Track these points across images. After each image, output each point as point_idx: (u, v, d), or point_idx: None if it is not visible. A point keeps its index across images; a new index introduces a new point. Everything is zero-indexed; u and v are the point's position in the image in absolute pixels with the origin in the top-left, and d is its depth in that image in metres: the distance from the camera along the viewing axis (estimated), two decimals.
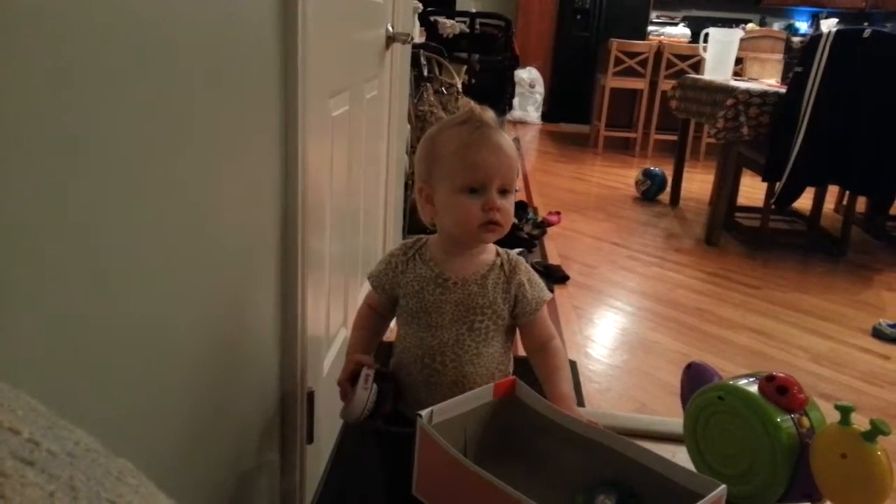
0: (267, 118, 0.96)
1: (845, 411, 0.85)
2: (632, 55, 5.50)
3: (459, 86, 3.12)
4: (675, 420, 1.04)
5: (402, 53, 2.11)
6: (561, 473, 0.91)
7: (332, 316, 1.41)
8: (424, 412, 0.85)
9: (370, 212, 1.81)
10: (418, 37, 3.67)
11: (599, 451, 0.88)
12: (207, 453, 0.83)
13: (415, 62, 2.82)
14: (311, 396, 1.22)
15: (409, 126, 2.57)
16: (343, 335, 1.53)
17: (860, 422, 0.84)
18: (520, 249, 2.80)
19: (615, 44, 5.51)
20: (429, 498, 0.88)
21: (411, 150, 2.62)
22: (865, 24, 6.04)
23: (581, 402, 1.83)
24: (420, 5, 3.42)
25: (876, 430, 0.82)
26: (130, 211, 0.59)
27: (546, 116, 7.15)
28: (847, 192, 3.40)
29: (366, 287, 1.78)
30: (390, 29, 1.84)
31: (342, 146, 1.41)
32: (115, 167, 0.56)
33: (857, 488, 0.83)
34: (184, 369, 0.74)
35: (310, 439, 1.23)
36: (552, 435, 0.93)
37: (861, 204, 3.48)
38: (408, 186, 2.56)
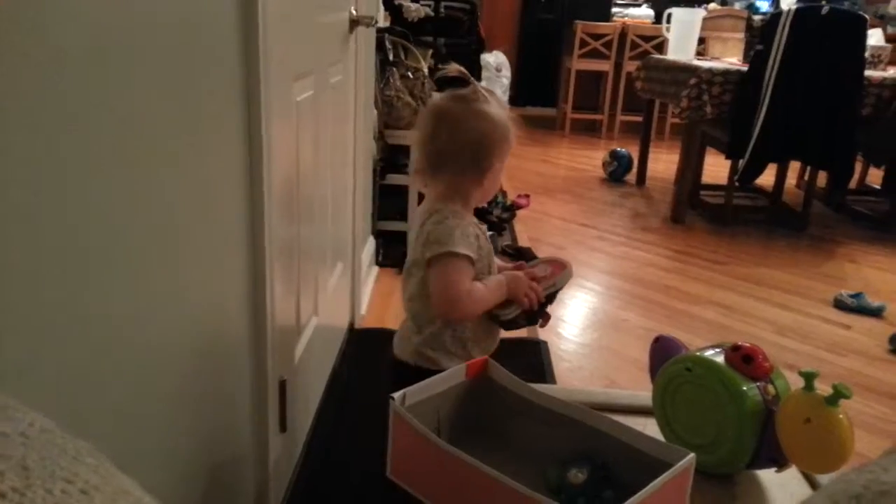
0: (229, 103, 0.95)
1: (809, 377, 0.87)
2: (597, 37, 5.52)
3: (426, 70, 3.10)
4: (644, 393, 1.06)
5: (366, 37, 2.09)
6: (534, 450, 0.92)
7: (302, 304, 1.40)
8: (397, 395, 0.85)
9: (338, 198, 1.79)
10: (383, 21, 3.63)
11: (571, 427, 0.89)
12: (178, 445, 0.82)
13: (380, 46, 2.79)
14: (283, 385, 1.21)
15: (375, 111, 2.55)
16: (314, 323, 1.53)
17: (823, 389, 0.86)
18: (490, 233, 2.81)
19: (580, 26, 5.52)
20: (404, 480, 0.88)
21: (378, 136, 2.60)
22: (823, 1, 6.14)
23: (553, 380, 1.85)
24: None
25: (838, 395, 0.85)
26: (88, 203, 0.58)
27: (513, 100, 7.14)
28: (808, 168, 3.47)
29: (338, 271, 1.77)
30: (354, 12, 1.81)
31: (308, 131, 1.39)
32: (70, 163, 0.55)
33: (821, 452, 0.86)
34: (152, 361, 0.73)
35: (283, 428, 1.23)
36: (525, 412, 0.93)
37: (822, 179, 3.55)
38: (376, 172, 2.55)
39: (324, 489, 1.38)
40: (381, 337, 2.03)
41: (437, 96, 1.16)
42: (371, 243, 2.51)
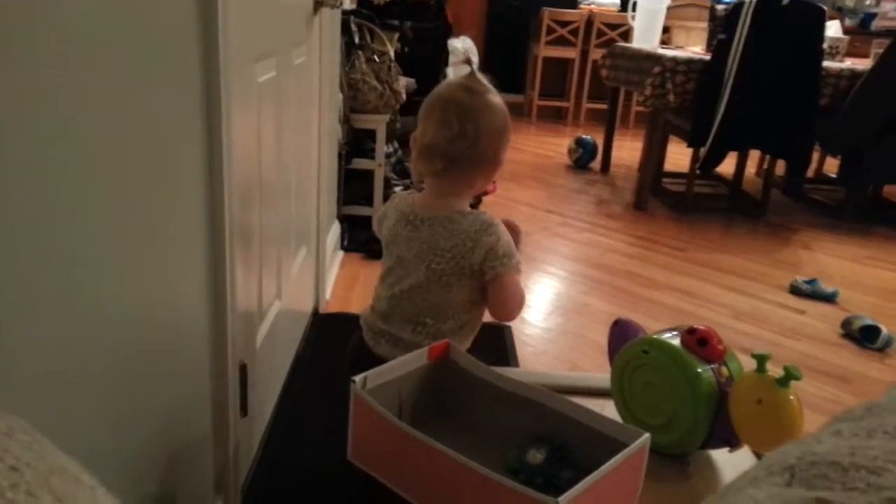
0: (186, 84, 0.93)
1: (761, 359, 0.89)
2: (563, 24, 5.54)
3: (392, 54, 3.08)
4: (603, 375, 1.07)
5: (331, 19, 2.07)
6: (495, 432, 0.93)
7: (264, 288, 1.39)
8: (358, 378, 0.85)
9: (302, 182, 1.78)
10: (349, 3, 3.59)
11: (531, 408, 0.90)
12: (136, 429, 0.81)
13: (345, 29, 2.75)
14: (243, 369, 1.20)
15: (341, 95, 2.52)
16: (277, 307, 1.51)
17: (776, 372, 0.89)
18: None
19: (547, 13, 5.53)
20: (365, 463, 0.88)
21: (344, 119, 2.57)
22: None
23: (516, 364, 1.87)
24: None
25: (789, 376, 0.88)
26: (43, 191, 0.56)
27: None
28: (767, 156, 3.54)
29: (302, 255, 1.76)
30: None
31: (270, 113, 1.37)
32: (20, 153, 0.53)
33: (772, 431, 0.89)
34: (107, 345, 0.71)
35: (244, 412, 1.22)
36: (486, 395, 0.94)
37: (780, 167, 3.63)
38: (341, 156, 2.53)
39: (285, 473, 1.37)
40: (346, 321, 2.03)
41: (446, 87, 1.12)
42: (336, 228, 2.49)
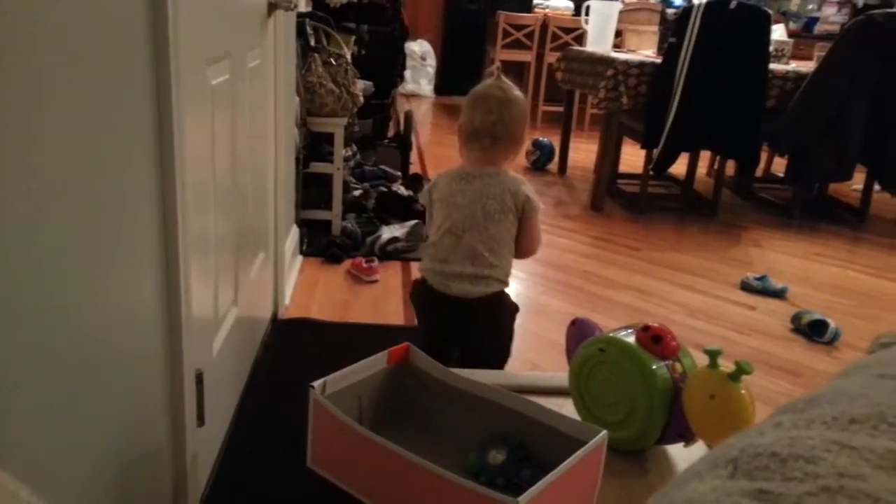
0: (136, 87, 0.91)
1: (713, 355, 0.92)
2: (519, 28, 5.59)
3: (349, 56, 3.06)
4: (562, 374, 1.09)
5: (285, 21, 2.04)
6: (456, 434, 0.93)
7: (220, 295, 1.37)
8: (317, 383, 0.85)
9: (259, 187, 1.75)
10: (304, 5, 3.55)
11: (491, 409, 0.91)
12: (88, 441, 0.79)
13: (301, 31, 2.73)
14: (199, 377, 1.18)
15: (297, 98, 2.50)
16: (234, 314, 1.49)
17: (728, 367, 0.91)
18: (415, 221, 2.81)
19: (503, 16, 5.58)
20: (325, 469, 0.88)
21: (301, 123, 2.55)
22: None
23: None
24: None
25: (740, 371, 0.90)
26: None
27: (438, 89, 7.16)
28: (717, 157, 3.64)
29: (260, 261, 1.74)
30: None
31: (224, 117, 1.35)
32: None
33: (725, 425, 0.91)
34: (58, 354, 0.69)
35: (200, 421, 1.19)
36: (446, 397, 0.95)
37: (730, 167, 3.73)
38: (299, 160, 2.50)
39: (244, 482, 1.35)
40: (306, 327, 2.01)
41: (484, 87, 1.47)
42: (295, 232, 2.46)
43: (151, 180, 0.97)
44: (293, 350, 1.88)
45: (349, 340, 1.96)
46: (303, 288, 2.30)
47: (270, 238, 1.95)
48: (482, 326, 1.41)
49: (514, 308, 1.50)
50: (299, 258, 2.50)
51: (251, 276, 1.68)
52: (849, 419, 0.25)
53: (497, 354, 1.48)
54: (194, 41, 1.11)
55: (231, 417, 1.51)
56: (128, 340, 0.92)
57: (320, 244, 2.61)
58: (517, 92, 1.46)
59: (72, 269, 0.73)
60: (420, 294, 1.47)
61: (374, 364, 0.94)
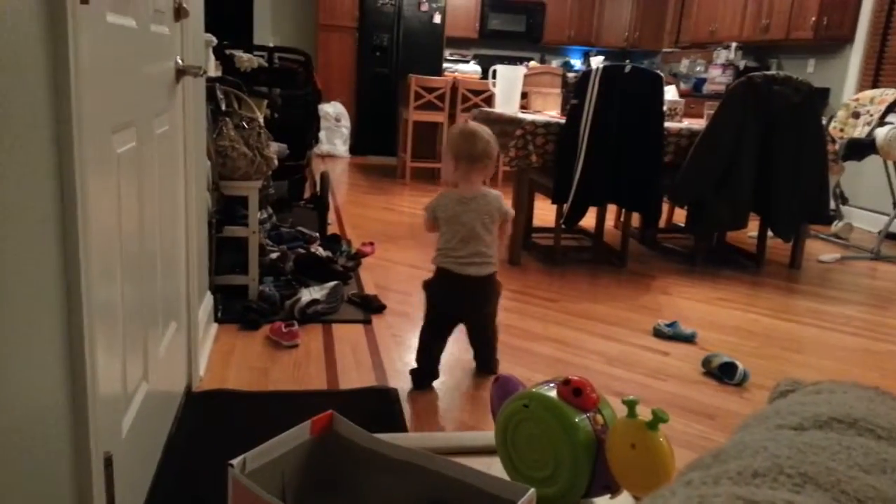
0: (37, 156, 0.87)
1: (631, 405, 0.95)
2: (430, 90, 5.76)
3: (261, 120, 3.05)
4: (489, 433, 1.09)
5: (195, 87, 2.03)
6: (384, 501, 0.91)
7: (129, 370, 1.30)
8: (236, 461, 0.81)
9: (169, 254, 1.70)
10: (214, 71, 3.54)
11: (418, 474, 0.90)
12: None
13: (211, 96, 2.71)
14: (109, 461, 1.11)
15: (209, 162, 2.46)
16: (145, 389, 1.42)
17: (646, 413, 0.95)
18: (335, 283, 2.78)
19: (414, 79, 5.73)
20: None
21: (213, 187, 2.50)
22: (627, 60, 6.87)
23: (404, 428, 1.85)
24: (214, 39, 3.31)
25: (657, 419, 0.93)
26: None
27: (354, 150, 7.23)
28: (623, 210, 3.82)
29: (171, 331, 1.66)
30: (180, 62, 1.76)
31: (131, 185, 1.31)
32: None
33: (646, 474, 0.93)
34: None
35: None
36: (372, 465, 0.93)
37: (636, 219, 3.92)
38: (212, 225, 2.44)
39: None
40: (223, 399, 1.93)
41: (470, 126, 2.11)
42: (209, 300, 2.38)
43: (53, 252, 0.93)
44: (209, 425, 1.79)
45: (269, 411, 1.89)
46: (218, 357, 2.21)
47: (183, 306, 1.88)
48: (489, 293, 2.13)
49: (500, 283, 2.18)
50: (214, 326, 2.42)
51: (162, 348, 1.61)
52: (751, 473, 0.27)
53: (493, 316, 2.21)
54: (98, 109, 1.09)
55: (143, 502, 1.41)
56: (30, 424, 0.86)
57: (236, 310, 2.53)
58: (487, 128, 2.11)
59: None
60: (442, 279, 2.09)
61: (297, 436, 0.91)
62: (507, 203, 2.12)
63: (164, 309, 1.64)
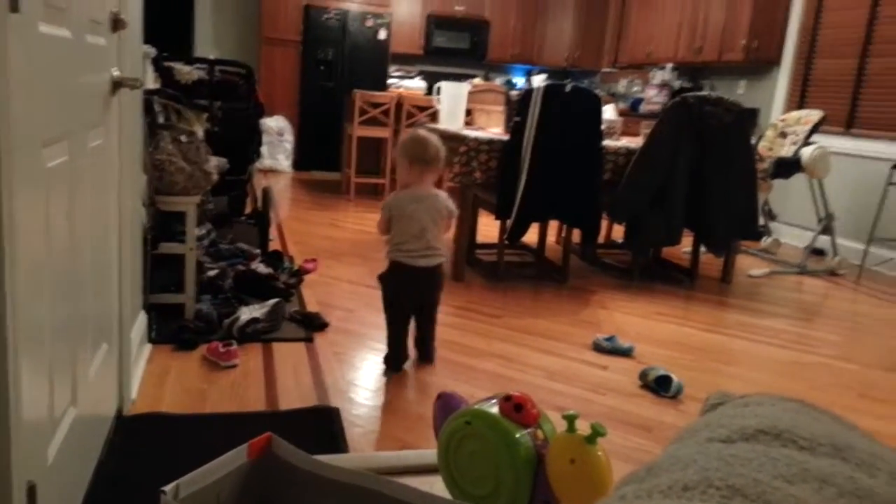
0: None
1: (570, 420, 0.96)
2: (375, 105, 5.76)
3: (201, 134, 2.99)
4: (431, 451, 1.09)
5: (131, 99, 1.97)
6: None
7: (56, 394, 1.24)
8: (169, 487, 0.79)
9: (101, 272, 1.64)
10: (152, 83, 3.45)
11: (361, 496, 0.88)
12: None
13: (148, 109, 2.64)
14: (32, 491, 1.05)
15: (145, 176, 2.39)
16: (73, 414, 1.35)
17: (585, 427, 0.96)
18: (276, 300, 2.73)
19: (359, 95, 5.73)
20: None
21: (149, 202, 2.43)
22: (567, 79, 7.05)
23: (346, 448, 1.82)
24: (153, 50, 3.23)
25: (595, 434, 0.94)
26: None
27: (297, 164, 7.15)
28: (564, 226, 3.89)
29: (102, 353, 1.60)
30: (116, 74, 1.71)
31: (61, 201, 1.26)
32: None
33: (585, 489, 0.94)
34: None
35: None
36: (312, 487, 0.91)
37: (576, 235, 4.00)
38: (146, 242, 2.37)
39: None
40: (156, 422, 1.86)
41: (422, 133, 2.41)
42: (143, 319, 2.31)
43: None
44: (141, 450, 1.73)
45: (206, 434, 1.84)
46: (152, 379, 2.14)
47: (114, 326, 1.81)
48: (438, 281, 2.40)
49: (444, 273, 2.47)
50: (148, 346, 2.34)
51: (92, 370, 1.54)
52: (682, 486, 0.28)
53: (438, 304, 2.47)
54: (28, 123, 1.05)
55: None
56: None
57: (171, 329, 2.45)
58: (437, 136, 2.40)
59: None
60: (397, 271, 2.33)
61: (233, 459, 0.89)
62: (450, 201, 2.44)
63: (95, 329, 1.57)
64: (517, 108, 3.42)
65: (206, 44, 6.97)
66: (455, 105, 4.06)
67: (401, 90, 6.64)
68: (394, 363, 2.39)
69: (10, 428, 0.97)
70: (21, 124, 1.00)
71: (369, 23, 7.03)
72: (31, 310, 1.09)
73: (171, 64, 3.79)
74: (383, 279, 2.41)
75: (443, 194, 2.35)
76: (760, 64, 5.69)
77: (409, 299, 2.39)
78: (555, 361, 2.57)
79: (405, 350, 2.42)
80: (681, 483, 0.28)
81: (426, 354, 2.47)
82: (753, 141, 3.94)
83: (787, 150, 4.44)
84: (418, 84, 7.16)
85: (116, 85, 1.72)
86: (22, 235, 1.01)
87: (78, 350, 1.41)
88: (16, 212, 0.98)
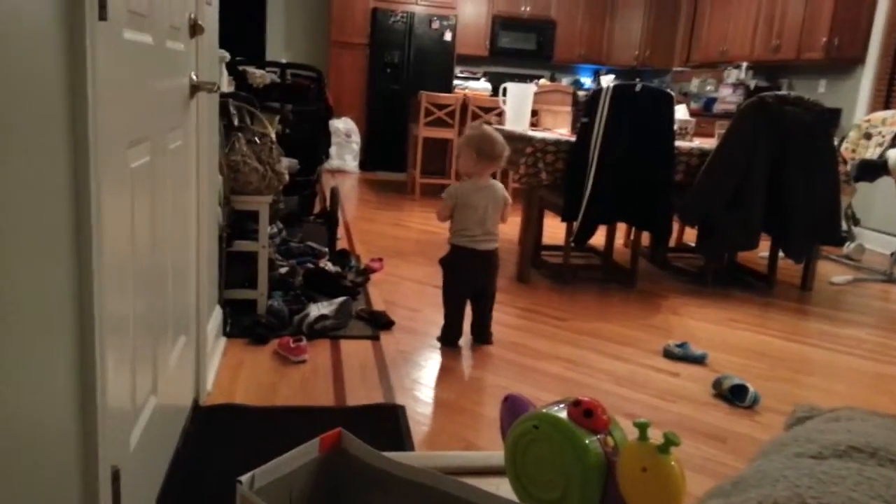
0: (53, 171, 0.88)
1: (642, 427, 0.93)
2: (440, 107, 5.80)
3: (273, 135, 3.07)
4: (498, 453, 1.08)
5: (208, 102, 2.05)
6: None
7: (139, 383, 1.30)
8: (245, 477, 0.81)
9: (180, 268, 1.71)
10: (227, 86, 3.58)
11: (428, 495, 0.89)
12: None
13: (224, 112, 2.73)
14: (116, 475, 1.11)
15: (220, 177, 2.48)
16: (153, 403, 1.42)
17: (657, 437, 0.93)
18: (344, 298, 2.78)
19: (424, 96, 5.77)
20: None
21: (224, 202, 2.52)
22: (637, 79, 6.90)
23: (411, 447, 1.83)
24: (228, 55, 3.34)
25: (668, 443, 0.92)
26: None
27: (364, 165, 7.26)
28: (633, 229, 3.81)
29: (181, 345, 1.67)
30: (194, 78, 1.77)
31: (144, 199, 1.32)
32: None
33: (658, 498, 0.92)
34: None
35: None
36: (380, 484, 0.92)
37: (646, 238, 3.91)
38: (222, 239, 2.45)
39: None
40: (230, 413, 1.93)
41: (489, 129, 2.60)
42: (218, 313, 2.39)
43: (68, 265, 0.93)
44: (217, 440, 1.79)
45: (277, 426, 1.89)
46: (227, 371, 2.21)
47: (192, 320, 1.88)
48: (495, 263, 2.58)
49: (500, 257, 2.63)
50: (223, 340, 2.42)
51: (171, 362, 1.61)
52: (772, 502, 0.26)
53: (495, 285, 2.64)
54: (114, 125, 1.10)
55: None
56: (38, 436, 0.86)
57: (245, 324, 2.53)
58: (499, 133, 2.58)
59: None
60: (458, 254, 2.52)
61: (306, 453, 0.91)
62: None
63: (174, 322, 1.64)
64: (585, 108, 3.37)
65: (278, 47, 7.17)
66: (521, 106, 4.04)
67: (466, 91, 6.66)
68: (448, 338, 2.57)
69: (98, 415, 1.02)
70: (108, 127, 1.05)
71: (435, 24, 7.08)
72: (117, 303, 1.14)
73: (245, 68, 3.91)
74: (445, 262, 2.57)
75: (500, 184, 2.54)
76: (843, 62, 5.42)
77: (468, 281, 2.56)
78: (622, 367, 2.52)
79: (460, 328, 2.58)
80: (771, 499, 0.27)
81: (483, 338, 2.62)
82: (836, 142, 3.75)
83: (871, 153, 4.21)
84: (483, 85, 7.16)
85: (194, 89, 1.78)
86: (109, 233, 1.06)
87: (158, 342, 1.47)
88: (103, 210, 1.02)
